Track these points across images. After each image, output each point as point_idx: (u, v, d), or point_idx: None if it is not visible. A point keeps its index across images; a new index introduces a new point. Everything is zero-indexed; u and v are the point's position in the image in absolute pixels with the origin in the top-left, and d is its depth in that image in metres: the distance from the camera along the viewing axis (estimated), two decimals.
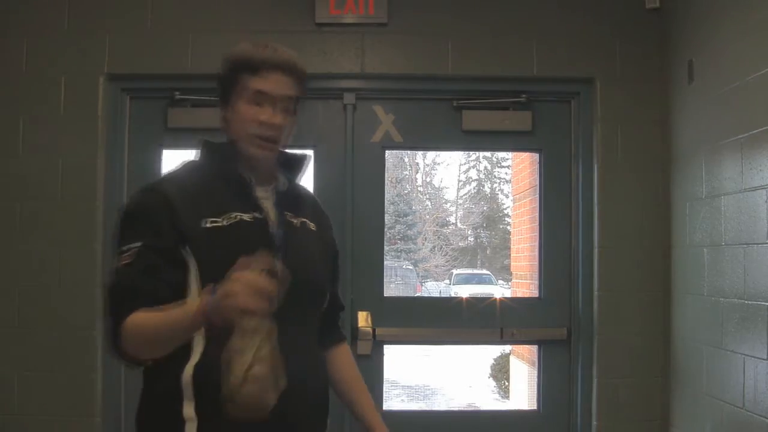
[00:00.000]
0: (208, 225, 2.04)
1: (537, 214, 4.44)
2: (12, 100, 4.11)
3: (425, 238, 22.99)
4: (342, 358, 2.43)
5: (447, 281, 18.59)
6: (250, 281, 1.72)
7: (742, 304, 3.34)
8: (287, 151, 2.26)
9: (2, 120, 4.11)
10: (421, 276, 20.15)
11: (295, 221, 2.21)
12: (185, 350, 1.98)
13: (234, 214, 2.08)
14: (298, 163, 2.31)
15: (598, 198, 4.20)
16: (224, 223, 2.06)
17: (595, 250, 4.20)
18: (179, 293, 1.98)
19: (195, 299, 1.88)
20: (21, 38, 4.13)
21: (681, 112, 4.03)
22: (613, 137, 4.20)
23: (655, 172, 4.18)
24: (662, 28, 4.18)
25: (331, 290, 2.36)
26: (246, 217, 2.09)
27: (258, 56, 2.12)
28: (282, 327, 1.81)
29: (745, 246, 3.34)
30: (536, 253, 4.47)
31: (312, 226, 2.27)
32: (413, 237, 21.88)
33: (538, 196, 4.43)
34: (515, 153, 6.74)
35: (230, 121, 2.17)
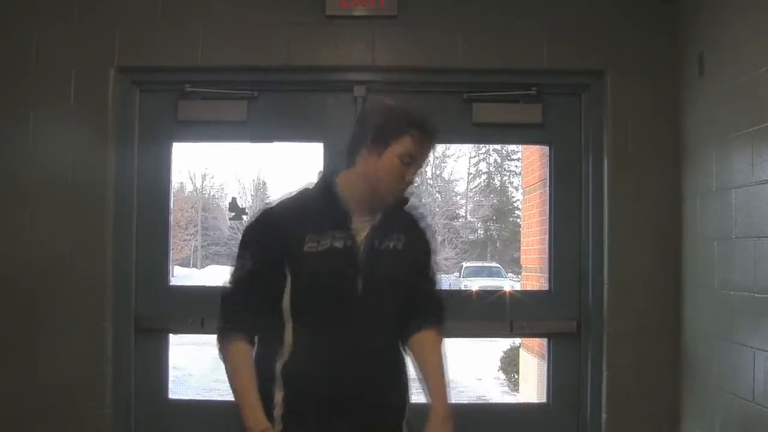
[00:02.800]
0: (306, 249, 2.41)
1: (547, 207, 4.44)
2: (22, 93, 4.12)
3: (435, 231, 22.97)
4: (419, 344, 2.65)
5: (457, 274, 18.60)
6: None
7: (753, 297, 3.34)
8: None
9: (13, 113, 4.12)
10: None
11: (381, 247, 2.52)
12: (277, 345, 2.44)
13: (328, 242, 2.44)
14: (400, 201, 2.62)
15: (608, 191, 4.19)
16: (320, 249, 2.42)
17: (605, 243, 4.19)
18: (277, 297, 2.44)
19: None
20: (31, 31, 4.13)
21: (692, 104, 4.01)
22: (624, 130, 4.18)
23: (666, 164, 4.16)
24: (673, 21, 4.16)
25: (415, 292, 2.63)
26: (338, 244, 2.44)
27: (426, 126, 2.47)
28: (364, 330, 2.43)
29: (755, 239, 3.33)
30: (546, 245, 4.47)
31: (400, 246, 2.56)
32: None
33: (548, 188, 4.43)
34: (525, 146, 6.73)
35: (374, 164, 2.47)
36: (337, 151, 3.58)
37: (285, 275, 2.44)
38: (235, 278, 2.48)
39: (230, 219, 23.34)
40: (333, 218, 2.47)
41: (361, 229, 2.50)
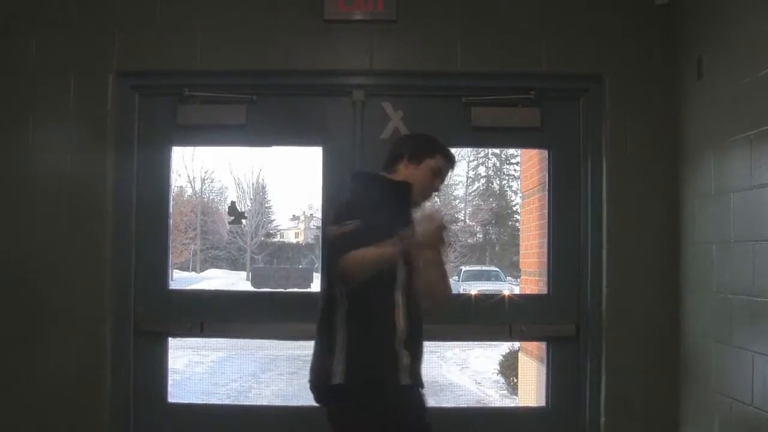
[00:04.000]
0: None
1: (546, 211, 4.44)
2: (22, 97, 4.13)
3: None
4: None
5: (456, 278, 18.57)
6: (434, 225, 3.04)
7: (751, 301, 3.34)
8: None
9: (12, 116, 4.13)
10: None
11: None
12: (396, 308, 3.07)
13: (409, 229, 3.05)
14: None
15: (607, 194, 4.19)
16: (407, 233, 3.05)
17: (604, 247, 4.19)
18: None
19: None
20: (31, 35, 4.14)
21: (690, 108, 4.02)
22: (622, 134, 4.19)
23: (664, 168, 4.17)
24: (671, 25, 4.17)
25: None
26: (412, 231, 3.07)
27: (449, 151, 3.36)
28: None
29: (754, 243, 3.34)
30: (545, 249, 4.47)
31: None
32: None
33: (547, 192, 4.43)
34: (524, 149, 6.72)
35: (413, 171, 3.26)
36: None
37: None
38: (343, 232, 3.02)
39: (229, 223, 23.31)
40: (406, 212, 3.21)
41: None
